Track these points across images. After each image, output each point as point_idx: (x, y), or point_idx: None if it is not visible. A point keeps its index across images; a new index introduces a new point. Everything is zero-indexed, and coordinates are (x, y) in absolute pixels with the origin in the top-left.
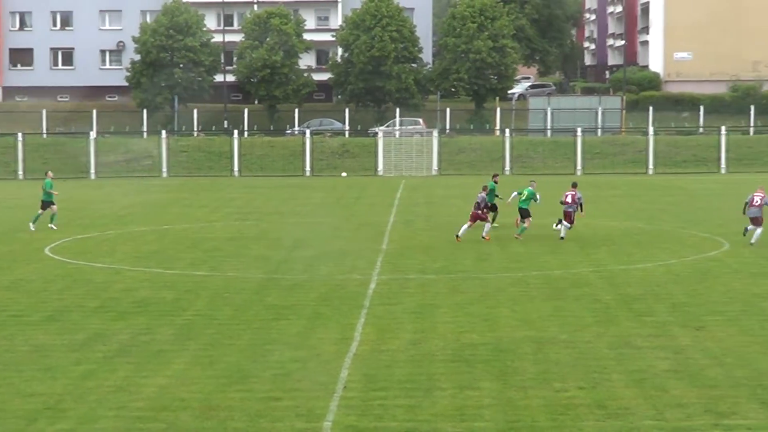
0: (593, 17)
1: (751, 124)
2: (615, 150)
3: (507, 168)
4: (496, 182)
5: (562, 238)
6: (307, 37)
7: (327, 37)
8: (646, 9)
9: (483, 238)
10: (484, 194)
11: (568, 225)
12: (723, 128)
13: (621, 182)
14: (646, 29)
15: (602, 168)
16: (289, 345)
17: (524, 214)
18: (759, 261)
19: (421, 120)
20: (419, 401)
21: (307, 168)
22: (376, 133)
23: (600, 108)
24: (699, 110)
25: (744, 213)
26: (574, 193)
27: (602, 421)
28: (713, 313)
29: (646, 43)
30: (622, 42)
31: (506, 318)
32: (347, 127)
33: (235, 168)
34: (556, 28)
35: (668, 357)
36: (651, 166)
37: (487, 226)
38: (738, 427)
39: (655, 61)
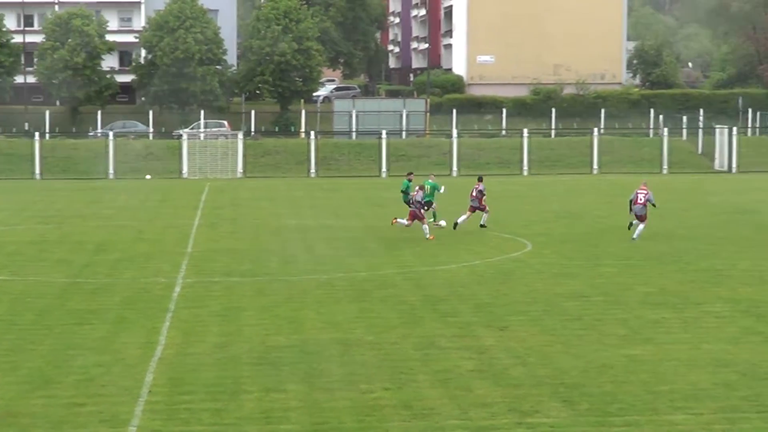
0: (397, 20)
1: (553, 126)
2: (420, 152)
3: (312, 171)
4: (410, 180)
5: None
6: (109, 38)
7: (130, 38)
8: (449, 13)
9: (427, 239)
10: (421, 193)
11: (466, 217)
12: (525, 131)
13: None
14: (449, 32)
15: (407, 170)
16: (93, 350)
17: (428, 206)
18: (561, 261)
19: (226, 122)
20: (225, 404)
21: (111, 171)
22: (181, 135)
23: (404, 111)
24: (502, 113)
25: (630, 211)
26: (478, 186)
27: (408, 422)
28: (516, 313)
29: (449, 46)
30: (426, 45)
31: (312, 320)
32: (151, 130)
33: (37, 170)
34: (360, 30)
35: (472, 357)
36: (455, 168)
37: (425, 226)
38: (541, 425)
39: (459, 64)
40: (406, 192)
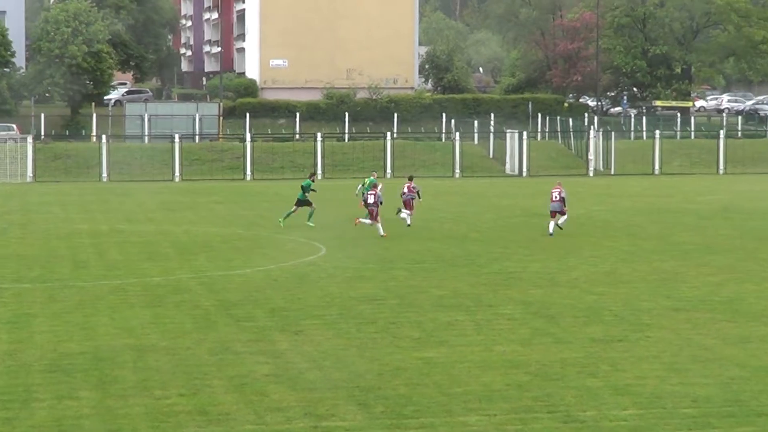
0: (189, 24)
1: (346, 131)
2: (213, 156)
3: (104, 175)
4: (313, 180)
5: (408, 225)
6: None
7: None
8: (242, 16)
9: (382, 236)
10: (376, 192)
11: (409, 212)
12: (319, 135)
13: (220, 188)
14: (242, 36)
15: (201, 174)
16: None
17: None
18: (355, 265)
19: (14, 126)
20: (16, 413)
21: None
22: None
23: (197, 114)
24: (295, 117)
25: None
26: (410, 184)
27: (203, 428)
28: (311, 317)
29: (242, 50)
30: (219, 49)
31: (105, 326)
32: None
33: None
34: (152, 33)
35: (268, 361)
36: (249, 172)
37: (368, 220)
38: (336, 429)
39: (252, 68)
40: (305, 190)
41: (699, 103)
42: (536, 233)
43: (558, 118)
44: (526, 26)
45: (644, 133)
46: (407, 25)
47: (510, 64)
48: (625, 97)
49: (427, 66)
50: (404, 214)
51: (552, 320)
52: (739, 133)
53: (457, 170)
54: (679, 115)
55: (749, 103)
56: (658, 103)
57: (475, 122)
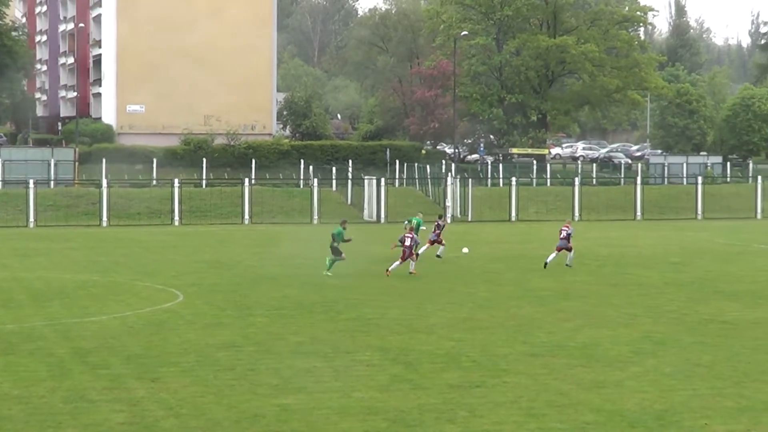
0: (45, 68)
1: (204, 176)
2: (69, 202)
3: None
4: (344, 228)
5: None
6: None
7: None
8: (98, 61)
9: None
10: (413, 235)
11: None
12: (176, 181)
13: (75, 234)
14: (98, 81)
15: (56, 220)
16: None
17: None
18: (213, 312)
19: None
20: None
21: None
22: None
23: (53, 160)
24: (153, 163)
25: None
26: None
27: None
28: (168, 364)
29: (98, 95)
30: (75, 93)
31: None
32: None
33: None
34: (6, 78)
35: (123, 409)
36: (105, 218)
37: (397, 263)
38: None
39: (108, 113)
40: (335, 238)
41: (555, 151)
42: (394, 280)
43: (416, 164)
44: (383, 73)
45: (501, 180)
46: (265, 71)
47: (368, 111)
48: (482, 145)
49: (285, 112)
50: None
51: (410, 366)
52: (594, 181)
53: (316, 216)
54: (535, 162)
55: (603, 150)
56: (515, 150)
57: (333, 169)
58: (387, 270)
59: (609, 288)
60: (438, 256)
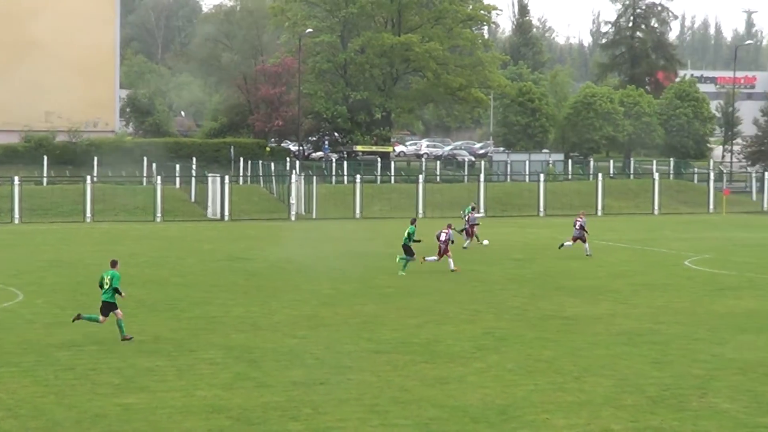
0: None
1: (45, 174)
2: None
3: None
4: (414, 226)
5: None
6: None
7: None
8: None
9: (453, 270)
10: (449, 231)
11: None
12: (16, 178)
13: None
14: None
15: None
16: None
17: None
18: (53, 311)
19: None
20: None
21: None
22: None
23: None
24: None
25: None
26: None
27: None
28: (7, 364)
29: None
30: None
31: None
32: None
33: None
34: None
35: None
36: None
37: (435, 257)
38: None
39: None
40: (411, 237)
41: (399, 149)
42: (239, 277)
43: (260, 162)
44: (228, 71)
45: (345, 177)
46: (108, 67)
47: (212, 109)
48: (326, 142)
49: (128, 109)
50: (431, 258)
51: (254, 364)
52: (438, 178)
53: (159, 214)
54: (379, 160)
55: (447, 148)
56: (359, 148)
57: (177, 166)
58: (423, 258)
59: (452, 285)
60: (464, 247)
